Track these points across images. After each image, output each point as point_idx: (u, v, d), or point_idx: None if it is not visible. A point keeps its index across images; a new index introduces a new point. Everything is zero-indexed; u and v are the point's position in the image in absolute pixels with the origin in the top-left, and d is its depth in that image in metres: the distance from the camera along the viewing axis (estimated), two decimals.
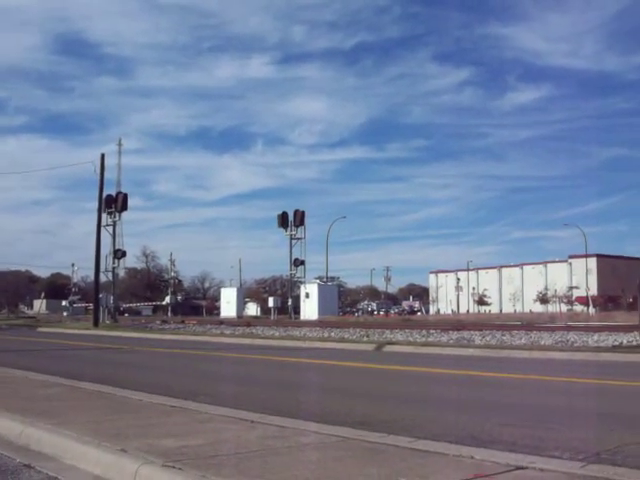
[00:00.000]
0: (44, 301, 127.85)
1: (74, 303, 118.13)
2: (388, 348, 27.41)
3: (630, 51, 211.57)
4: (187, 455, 6.56)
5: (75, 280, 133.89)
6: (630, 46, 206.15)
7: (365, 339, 32.24)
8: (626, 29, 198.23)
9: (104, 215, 58.24)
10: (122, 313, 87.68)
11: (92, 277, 58.40)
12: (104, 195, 57.44)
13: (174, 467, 6.10)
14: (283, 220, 76.00)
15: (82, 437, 7.53)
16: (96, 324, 53.14)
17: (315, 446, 7.14)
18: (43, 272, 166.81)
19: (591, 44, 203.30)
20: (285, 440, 7.43)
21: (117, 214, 60.55)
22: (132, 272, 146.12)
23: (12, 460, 7.26)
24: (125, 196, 61.94)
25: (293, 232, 75.96)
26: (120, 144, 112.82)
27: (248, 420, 8.83)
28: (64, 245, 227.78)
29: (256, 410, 9.82)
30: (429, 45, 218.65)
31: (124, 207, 60.95)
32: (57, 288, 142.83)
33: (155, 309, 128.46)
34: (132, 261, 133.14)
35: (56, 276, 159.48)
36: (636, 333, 25.47)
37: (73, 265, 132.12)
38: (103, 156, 55.73)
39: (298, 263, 76.51)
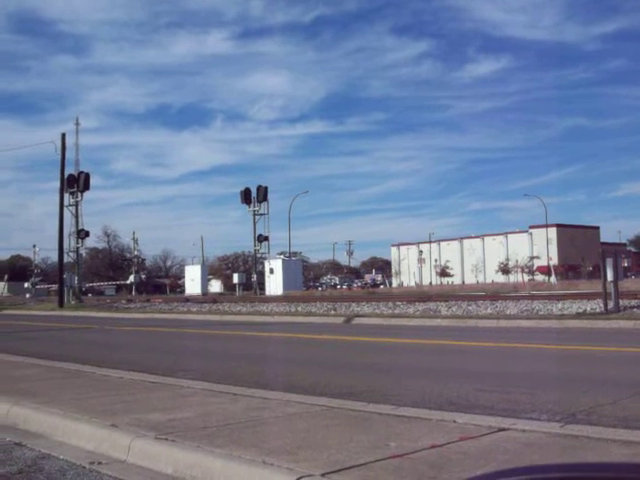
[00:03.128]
0: (6, 284, 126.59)
1: (36, 285, 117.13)
2: (357, 320, 27.67)
3: (589, 22, 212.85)
4: (177, 428, 6.70)
5: (36, 262, 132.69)
6: (589, 16, 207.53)
7: (333, 312, 32.45)
8: (585, 0, 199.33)
9: (66, 195, 57.71)
10: (85, 293, 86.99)
11: (53, 258, 58.15)
12: (65, 175, 56.87)
13: (167, 439, 6.24)
14: (246, 196, 75.76)
15: (70, 414, 7.63)
16: (61, 305, 52.76)
17: (301, 415, 7.31)
18: (2, 254, 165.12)
19: (550, 15, 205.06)
20: (271, 411, 7.59)
21: (79, 194, 59.92)
22: (94, 252, 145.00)
23: (2, 439, 7.33)
24: (87, 175, 61.30)
25: (256, 208, 75.75)
26: (78, 123, 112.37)
27: (230, 393, 8.98)
28: (23, 227, 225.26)
29: (235, 384, 9.99)
30: (387, 18, 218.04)
31: (86, 187, 60.32)
32: (18, 270, 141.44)
33: (118, 289, 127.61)
34: (93, 241, 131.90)
35: (16, 258, 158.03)
36: (599, 300, 25.89)
37: (34, 246, 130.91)
38: (64, 135, 55.03)
39: (262, 239, 76.40)
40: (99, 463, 6.15)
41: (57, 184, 55.87)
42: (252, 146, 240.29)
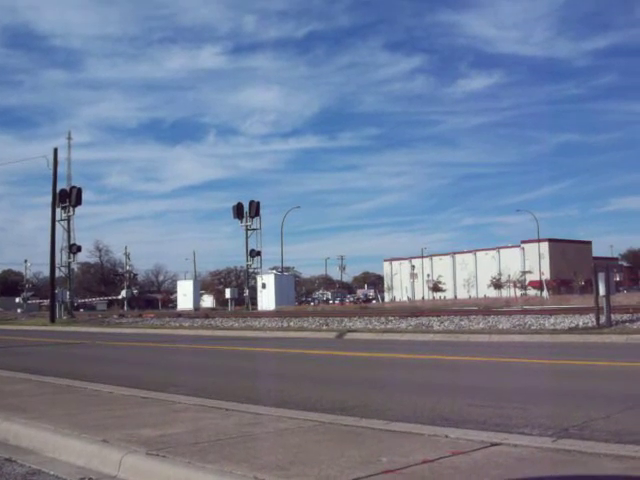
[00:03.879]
0: None
1: (28, 300, 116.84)
2: (349, 335, 27.65)
3: (580, 37, 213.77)
4: (169, 443, 6.66)
5: (28, 277, 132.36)
6: (580, 32, 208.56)
7: (325, 327, 32.43)
8: (576, 16, 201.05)
9: (58, 210, 57.66)
10: (77, 308, 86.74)
11: (45, 273, 58.07)
12: (57, 190, 56.82)
13: (158, 455, 6.20)
14: (238, 211, 75.89)
15: (60, 430, 7.58)
16: (53, 320, 52.66)
17: (293, 431, 7.28)
18: None
19: (541, 31, 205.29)
20: (263, 426, 7.57)
21: (71, 208, 59.97)
22: (85, 267, 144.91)
23: None
24: (79, 190, 61.38)
25: (248, 223, 75.91)
26: (70, 138, 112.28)
27: (222, 408, 8.95)
28: (15, 241, 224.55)
29: (227, 399, 9.95)
30: (380, 34, 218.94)
31: (78, 201, 60.41)
32: (9, 285, 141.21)
33: (110, 304, 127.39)
34: (85, 256, 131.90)
35: (7, 273, 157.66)
36: (591, 315, 25.93)
37: (26, 261, 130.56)
38: (56, 150, 55.03)
39: (254, 254, 76.51)
40: (90, 479, 6.11)
41: (49, 199, 55.87)
42: (244, 161, 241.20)
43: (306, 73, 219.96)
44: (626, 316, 26.61)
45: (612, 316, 24.82)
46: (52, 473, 6.40)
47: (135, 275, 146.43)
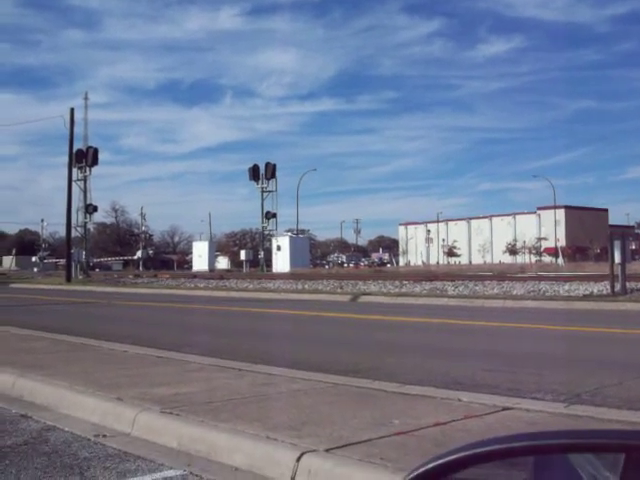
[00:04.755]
0: (14, 257, 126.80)
1: (44, 259, 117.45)
2: (363, 299, 27.69)
3: (601, 3, 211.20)
4: (182, 402, 6.71)
5: (44, 236, 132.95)
6: None
7: (339, 290, 32.50)
8: None
9: (74, 170, 57.75)
10: (93, 268, 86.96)
11: (61, 233, 58.26)
12: (74, 150, 56.86)
13: (172, 413, 6.26)
14: (254, 173, 75.74)
15: (75, 387, 7.66)
16: (69, 279, 52.87)
17: (306, 392, 7.32)
18: (11, 228, 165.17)
19: None
20: (276, 387, 7.61)
21: (88, 169, 60.02)
22: (101, 227, 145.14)
23: (8, 411, 7.37)
24: (95, 150, 61.41)
25: (264, 185, 75.78)
26: (86, 98, 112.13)
27: (235, 369, 9.00)
28: (31, 201, 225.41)
29: (241, 360, 10.00)
30: None
31: (95, 162, 60.44)
32: (26, 244, 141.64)
33: (126, 264, 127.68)
34: (101, 216, 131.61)
35: (24, 232, 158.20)
36: (606, 282, 25.84)
37: (42, 221, 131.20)
38: (72, 110, 54.91)
39: (270, 216, 76.49)
40: (104, 436, 6.17)
41: (66, 159, 55.87)
42: (261, 123, 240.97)
43: (323, 36, 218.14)
44: None
45: (627, 284, 24.72)
46: (67, 429, 6.47)
47: (151, 236, 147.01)
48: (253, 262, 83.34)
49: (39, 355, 10.70)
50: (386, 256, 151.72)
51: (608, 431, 1.98)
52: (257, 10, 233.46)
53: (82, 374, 8.57)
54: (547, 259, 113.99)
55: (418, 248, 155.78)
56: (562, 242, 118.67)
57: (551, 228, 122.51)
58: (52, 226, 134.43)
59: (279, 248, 76.14)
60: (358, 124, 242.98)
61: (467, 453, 1.52)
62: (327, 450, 4.93)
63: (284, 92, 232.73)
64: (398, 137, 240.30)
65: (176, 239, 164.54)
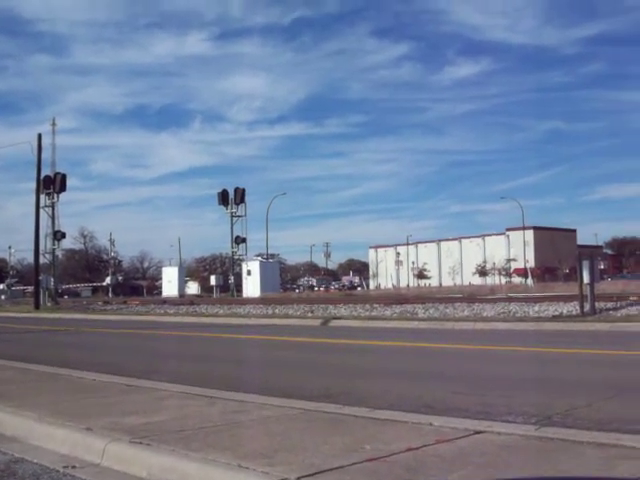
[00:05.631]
0: None
1: (12, 286, 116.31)
2: (334, 323, 27.67)
3: (567, 25, 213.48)
4: (153, 431, 6.66)
5: (12, 263, 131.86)
6: (568, 20, 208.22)
7: (310, 315, 32.47)
8: (564, 3, 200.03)
9: (42, 196, 57.44)
10: (61, 295, 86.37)
11: (29, 259, 57.71)
12: (42, 176, 56.57)
13: (142, 443, 6.19)
14: (224, 198, 75.80)
15: (44, 418, 7.56)
16: (37, 307, 52.45)
17: (277, 418, 7.28)
18: None
19: (529, 18, 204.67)
20: (248, 414, 7.57)
21: (55, 195, 59.67)
22: (70, 253, 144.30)
23: None
24: (63, 177, 61.10)
25: (234, 210, 75.86)
26: (54, 124, 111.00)
27: (207, 396, 8.94)
28: None
29: (212, 386, 9.94)
30: (368, 20, 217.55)
31: (62, 188, 60.11)
32: None
33: (95, 290, 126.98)
34: (70, 242, 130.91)
35: None
36: (575, 303, 26.03)
37: (10, 247, 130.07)
38: (40, 136, 54.71)
39: (239, 241, 76.52)
40: (73, 467, 6.09)
41: (34, 185, 55.56)
42: (230, 147, 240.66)
43: (293, 59, 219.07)
44: (610, 304, 26.75)
45: (596, 304, 24.92)
46: (35, 461, 6.38)
47: (120, 262, 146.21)
48: (223, 287, 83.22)
49: (7, 385, 10.55)
50: (356, 279, 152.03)
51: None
52: (226, 35, 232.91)
53: (51, 404, 8.47)
54: (517, 280, 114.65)
55: (388, 271, 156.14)
56: (531, 263, 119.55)
57: (520, 249, 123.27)
58: (20, 252, 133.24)
59: (249, 273, 76.07)
60: (327, 148, 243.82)
61: None
62: (298, 478, 4.90)
63: (253, 116, 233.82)
64: (367, 160, 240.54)
65: (146, 264, 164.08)
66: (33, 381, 11.20)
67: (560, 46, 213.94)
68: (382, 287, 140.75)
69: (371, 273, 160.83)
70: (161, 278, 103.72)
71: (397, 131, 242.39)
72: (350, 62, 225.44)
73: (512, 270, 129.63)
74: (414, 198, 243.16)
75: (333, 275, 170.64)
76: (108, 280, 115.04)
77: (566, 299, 29.24)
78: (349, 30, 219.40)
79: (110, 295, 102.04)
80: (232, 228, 76.20)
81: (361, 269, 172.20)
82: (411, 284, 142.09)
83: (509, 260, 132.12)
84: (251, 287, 74.67)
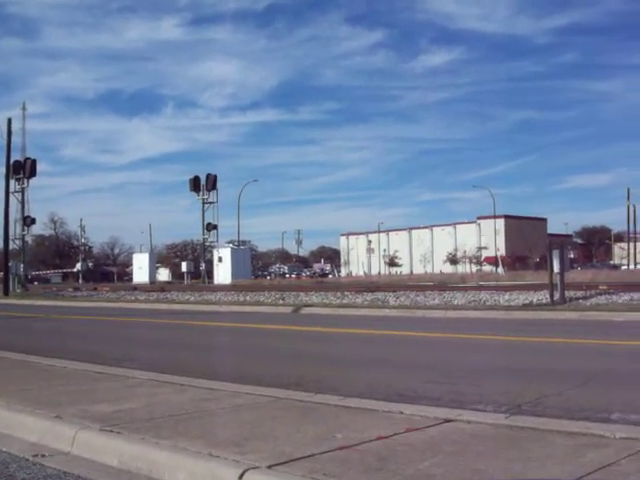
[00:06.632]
0: None
1: None
2: (305, 310, 27.69)
3: (540, 15, 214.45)
4: (123, 419, 6.63)
5: None
6: (540, 10, 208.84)
7: (281, 302, 32.46)
8: None
9: (12, 181, 56.99)
10: (31, 281, 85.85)
11: None
12: (12, 161, 56.12)
13: (112, 431, 6.17)
14: (195, 184, 75.47)
15: (13, 405, 7.51)
16: (6, 293, 52.09)
17: (249, 406, 7.28)
18: None
19: (503, 8, 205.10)
20: (219, 402, 7.56)
21: (25, 180, 59.15)
22: (40, 239, 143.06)
23: None
24: (34, 162, 60.54)
25: (205, 196, 75.55)
26: (24, 108, 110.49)
27: (177, 384, 8.94)
28: None
29: (183, 374, 9.92)
30: (341, 7, 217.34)
31: (33, 173, 59.58)
32: None
33: (65, 276, 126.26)
34: (40, 228, 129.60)
35: None
36: (545, 291, 26.21)
37: None
38: (10, 120, 54.32)
39: (211, 227, 76.22)
40: (42, 455, 6.06)
41: (3, 170, 55.15)
42: (202, 134, 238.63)
43: (266, 46, 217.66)
44: (580, 293, 27.01)
45: (566, 293, 25.15)
46: (4, 449, 6.34)
47: (90, 248, 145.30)
48: (194, 274, 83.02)
49: None
50: (328, 267, 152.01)
51: None
52: (199, 20, 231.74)
53: (21, 392, 8.41)
54: (487, 268, 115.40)
55: (360, 258, 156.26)
56: (502, 251, 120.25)
57: (491, 237, 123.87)
58: None
59: (220, 259, 75.93)
60: (300, 135, 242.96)
61: None
62: (269, 467, 4.90)
63: (226, 102, 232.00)
64: (340, 148, 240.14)
65: (116, 251, 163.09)
66: (3, 368, 11.12)
67: (533, 36, 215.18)
68: (353, 275, 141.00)
69: (342, 260, 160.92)
70: (132, 264, 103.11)
71: (370, 119, 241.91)
72: (324, 49, 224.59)
73: (483, 258, 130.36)
74: (386, 186, 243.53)
75: (304, 262, 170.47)
76: (78, 266, 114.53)
77: (536, 288, 29.46)
78: (323, 17, 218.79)
79: (80, 281, 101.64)
80: (203, 215, 75.97)
81: (332, 256, 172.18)
82: (382, 272, 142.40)
83: (480, 248, 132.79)
84: (222, 274, 74.52)
